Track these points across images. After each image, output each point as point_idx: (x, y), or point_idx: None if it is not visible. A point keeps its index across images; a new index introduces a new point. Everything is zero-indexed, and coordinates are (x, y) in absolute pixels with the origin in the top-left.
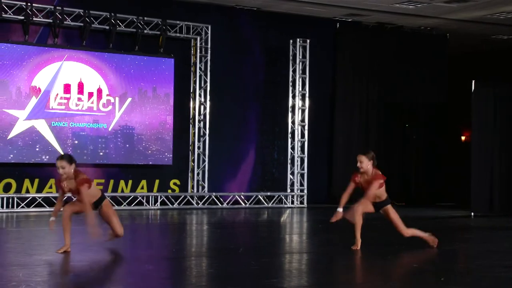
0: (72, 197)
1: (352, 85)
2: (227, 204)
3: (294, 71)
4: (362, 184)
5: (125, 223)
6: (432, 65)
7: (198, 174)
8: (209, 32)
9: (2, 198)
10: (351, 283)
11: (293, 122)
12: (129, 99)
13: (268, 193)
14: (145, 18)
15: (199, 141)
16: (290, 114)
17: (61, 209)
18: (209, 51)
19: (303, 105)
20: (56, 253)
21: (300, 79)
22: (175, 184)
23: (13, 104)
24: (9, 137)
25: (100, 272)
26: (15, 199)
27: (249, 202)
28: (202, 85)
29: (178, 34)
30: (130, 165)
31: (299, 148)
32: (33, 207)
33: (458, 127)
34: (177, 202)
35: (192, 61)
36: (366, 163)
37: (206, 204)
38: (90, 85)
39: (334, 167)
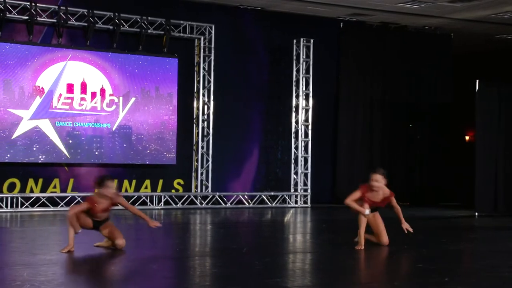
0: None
1: (356, 85)
2: (231, 204)
3: (298, 70)
4: (372, 199)
5: (129, 222)
6: (436, 65)
7: (201, 174)
8: (213, 32)
9: (7, 198)
10: (355, 283)
11: (296, 122)
12: (133, 99)
13: (272, 193)
14: (149, 18)
15: (202, 141)
16: (294, 114)
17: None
18: (212, 51)
19: (307, 104)
20: (60, 253)
21: (304, 79)
22: (178, 184)
23: (17, 104)
24: (13, 137)
25: (104, 271)
26: (19, 198)
27: (253, 202)
28: (206, 85)
29: (181, 34)
30: (133, 165)
31: (303, 148)
32: (37, 206)
33: (462, 127)
34: (181, 202)
35: (195, 61)
36: (382, 182)
37: (209, 204)
38: (93, 85)
39: (338, 167)
